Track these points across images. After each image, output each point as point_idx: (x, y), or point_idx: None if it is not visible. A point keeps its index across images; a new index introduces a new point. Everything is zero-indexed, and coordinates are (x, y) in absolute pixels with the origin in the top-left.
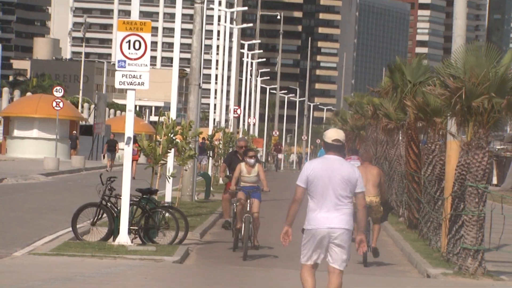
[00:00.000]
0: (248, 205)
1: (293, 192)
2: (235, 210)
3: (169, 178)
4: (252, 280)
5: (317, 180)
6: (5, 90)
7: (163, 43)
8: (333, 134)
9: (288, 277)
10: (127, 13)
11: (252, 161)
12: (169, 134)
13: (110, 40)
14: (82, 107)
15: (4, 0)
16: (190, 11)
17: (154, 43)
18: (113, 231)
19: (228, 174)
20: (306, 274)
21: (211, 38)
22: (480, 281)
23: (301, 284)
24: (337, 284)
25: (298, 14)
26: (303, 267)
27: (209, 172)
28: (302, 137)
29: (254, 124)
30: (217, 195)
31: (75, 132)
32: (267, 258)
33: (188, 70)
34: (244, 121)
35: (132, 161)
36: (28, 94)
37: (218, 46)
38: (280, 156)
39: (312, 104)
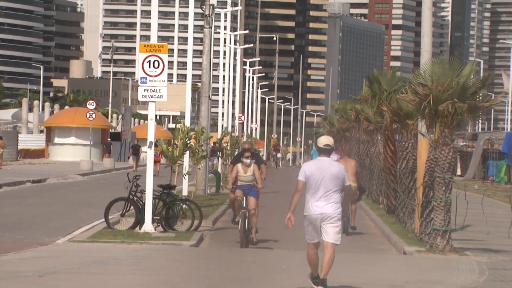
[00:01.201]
0: (244, 202)
1: (291, 183)
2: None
3: (185, 175)
4: (257, 259)
5: (312, 177)
6: (47, 104)
7: (178, 62)
8: (324, 140)
9: (287, 256)
10: (148, 37)
11: (247, 161)
12: (185, 139)
13: (134, 60)
14: (111, 117)
15: (45, 29)
16: (200, 35)
17: (170, 63)
18: (139, 221)
19: None
20: (311, 251)
21: (218, 57)
22: (448, 257)
23: (308, 260)
24: (330, 254)
25: (291, 35)
26: (309, 245)
27: (219, 170)
28: (297, 139)
29: (256, 129)
30: (226, 189)
31: (109, 139)
32: (269, 242)
33: (199, 84)
34: (247, 126)
35: (155, 162)
36: (66, 107)
37: (224, 64)
38: (279, 155)
39: (304, 111)
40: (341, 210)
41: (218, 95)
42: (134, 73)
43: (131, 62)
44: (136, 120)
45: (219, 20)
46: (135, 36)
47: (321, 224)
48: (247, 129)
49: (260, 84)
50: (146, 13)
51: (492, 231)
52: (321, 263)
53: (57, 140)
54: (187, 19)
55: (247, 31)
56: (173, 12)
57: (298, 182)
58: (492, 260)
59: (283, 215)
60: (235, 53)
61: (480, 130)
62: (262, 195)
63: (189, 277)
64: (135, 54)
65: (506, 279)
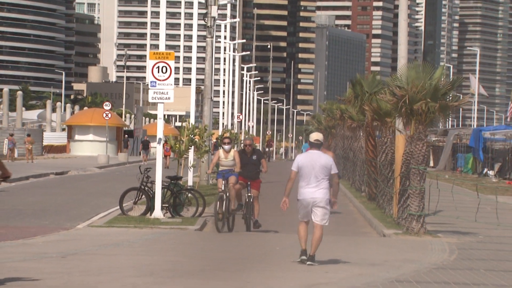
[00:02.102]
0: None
1: (284, 175)
2: (246, 200)
3: (191, 168)
4: (253, 242)
5: (304, 167)
6: (68, 105)
7: (183, 68)
8: (315, 136)
9: (281, 239)
10: (157, 46)
11: (227, 147)
12: (190, 135)
13: (144, 66)
14: (125, 117)
15: (66, 39)
16: (203, 44)
17: (176, 68)
18: (150, 208)
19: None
20: (301, 227)
21: (219, 63)
22: (422, 238)
23: (298, 236)
24: (319, 234)
25: (283, 44)
26: (300, 223)
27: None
28: (288, 135)
29: (252, 126)
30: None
31: (126, 135)
32: (265, 226)
33: (202, 87)
34: (245, 124)
35: (166, 156)
36: (85, 108)
37: (224, 69)
38: (271, 149)
39: (295, 111)
40: (329, 195)
41: (219, 96)
42: (145, 77)
43: (142, 68)
44: (147, 119)
45: (220, 31)
46: (145, 45)
47: (312, 207)
48: (244, 127)
49: (256, 87)
50: (155, 25)
51: (461, 216)
52: (311, 242)
53: (77, 137)
54: (192, 30)
55: (244, 40)
56: (179, 24)
57: (292, 171)
58: (461, 241)
59: (277, 203)
60: (234, 60)
61: (450, 126)
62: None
63: (194, 257)
64: (145, 61)
65: (473, 257)
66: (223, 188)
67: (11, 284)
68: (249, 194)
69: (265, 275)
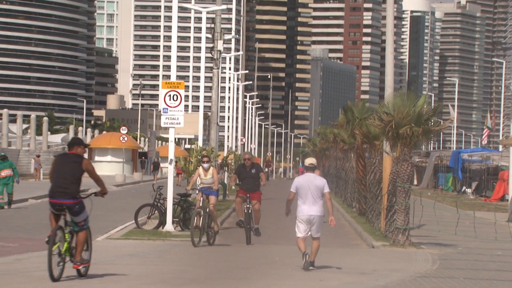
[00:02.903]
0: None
1: (284, 191)
2: (245, 211)
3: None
4: (255, 253)
5: (301, 187)
6: (89, 130)
7: (192, 96)
8: (309, 160)
9: (280, 250)
10: (168, 77)
11: (206, 165)
12: (198, 156)
13: (157, 95)
14: (140, 140)
15: (87, 70)
16: (210, 74)
17: (186, 96)
18: (162, 222)
19: (238, 182)
20: (300, 241)
21: (224, 92)
22: (408, 250)
23: (298, 247)
24: (317, 245)
25: (282, 74)
26: (298, 238)
27: (225, 181)
28: (287, 156)
29: (254, 148)
30: (231, 196)
31: (144, 157)
32: (265, 239)
33: (209, 113)
34: (247, 146)
35: (178, 174)
36: (104, 132)
37: (229, 97)
38: (270, 169)
39: (292, 134)
40: (323, 211)
41: (224, 122)
42: (157, 104)
43: (155, 96)
44: (160, 142)
45: (225, 63)
46: (158, 75)
47: (307, 222)
48: (247, 149)
49: (257, 113)
50: (167, 58)
51: (442, 229)
52: (311, 251)
53: (97, 158)
54: (200, 62)
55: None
56: (189, 57)
57: (290, 192)
58: (442, 252)
59: (276, 217)
60: (237, 89)
61: (432, 149)
62: None
63: (202, 266)
64: (158, 90)
65: (453, 267)
66: (201, 204)
67: None
68: (248, 205)
69: (264, 283)
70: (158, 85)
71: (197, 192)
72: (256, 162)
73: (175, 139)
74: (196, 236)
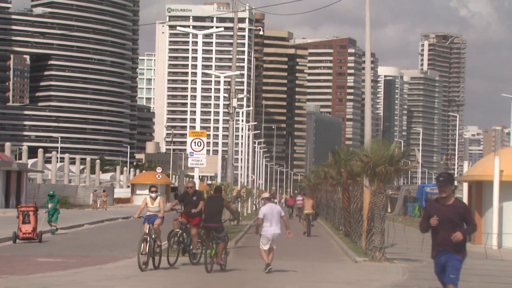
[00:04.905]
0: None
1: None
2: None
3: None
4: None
5: (267, 214)
6: (131, 170)
7: (213, 142)
8: (266, 194)
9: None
10: (194, 127)
11: (154, 195)
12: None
13: (185, 141)
14: (172, 177)
15: (130, 123)
16: (226, 125)
17: (208, 142)
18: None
19: (179, 209)
20: (264, 252)
21: (238, 139)
22: (383, 264)
23: (261, 256)
24: (272, 255)
25: (283, 125)
26: (262, 250)
27: (239, 209)
28: (287, 190)
29: (261, 183)
30: (244, 221)
31: (176, 192)
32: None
33: (226, 156)
34: (256, 182)
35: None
36: (143, 171)
37: (241, 143)
38: (275, 200)
39: (292, 172)
40: (280, 230)
41: (238, 162)
42: (185, 149)
43: (184, 142)
44: (187, 178)
45: (238, 116)
46: (186, 126)
47: (271, 238)
48: (256, 184)
49: (264, 155)
50: (193, 112)
51: (410, 248)
52: (269, 258)
53: (138, 191)
54: (219, 115)
55: (255, 123)
56: (210, 111)
57: (259, 218)
58: (410, 266)
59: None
60: (248, 136)
61: (402, 183)
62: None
63: (219, 277)
64: (186, 137)
65: (420, 278)
66: (147, 232)
67: None
68: (187, 227)
69: None
70: (186, 134)
71: (143, 221)
72: (199, 191)
73: (199, 176)
74: (142, 263)
